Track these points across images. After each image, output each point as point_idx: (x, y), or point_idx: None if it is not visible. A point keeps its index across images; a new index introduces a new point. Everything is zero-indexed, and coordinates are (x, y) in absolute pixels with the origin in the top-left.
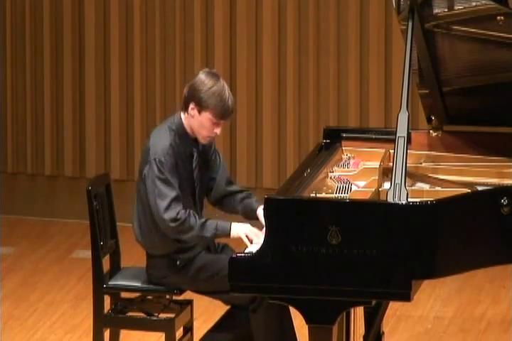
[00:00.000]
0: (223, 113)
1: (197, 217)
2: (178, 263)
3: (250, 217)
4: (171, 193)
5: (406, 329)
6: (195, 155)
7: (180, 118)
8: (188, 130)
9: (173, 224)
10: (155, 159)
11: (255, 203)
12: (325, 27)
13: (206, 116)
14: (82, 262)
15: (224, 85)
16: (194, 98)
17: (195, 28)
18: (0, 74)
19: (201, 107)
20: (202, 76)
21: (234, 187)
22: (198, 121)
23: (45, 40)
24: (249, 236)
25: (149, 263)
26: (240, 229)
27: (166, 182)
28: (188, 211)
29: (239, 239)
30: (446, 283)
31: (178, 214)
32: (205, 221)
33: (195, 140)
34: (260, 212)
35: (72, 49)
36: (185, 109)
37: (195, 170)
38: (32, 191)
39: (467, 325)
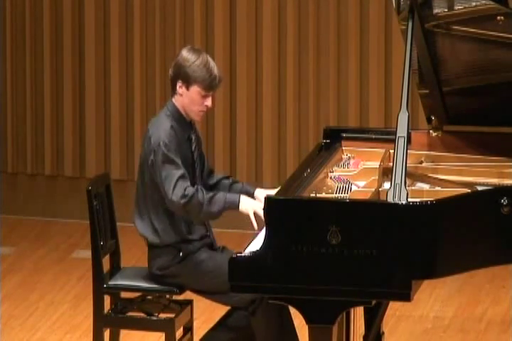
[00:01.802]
0: (211, 83)
1: (204, 191)
2: (181, 254)
3: None
4: (177, 172)
5: (406, 329)
6: (193, 137)
7: (173, 103)
8: (182, 112)
9: (182, 201)
10: (159, 143)
11: (246, 186)
12: (325, 27)
13: (195, 90)
14: (82, 262)
15: (207, 57)
16: (180, 75)
17: (195, 27)
18: (0, 74)
19: (188, 82)
20: (184, 53)
21: (217, 176)
22: (187, 98)
23: (45, 40)
24: (258, 213)
25: (151, 254)
26: (249, 205)
27: (171, 162)
28: (196, 186)
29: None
30: (446, 283)
31: (185, 190)
32: (214, 195)
33: (191, 124)
34: (258, 193)
35: (72, 49)
36: (174, 89)
37: (194, 152)
38: (32, 191)
39: (467, 325)
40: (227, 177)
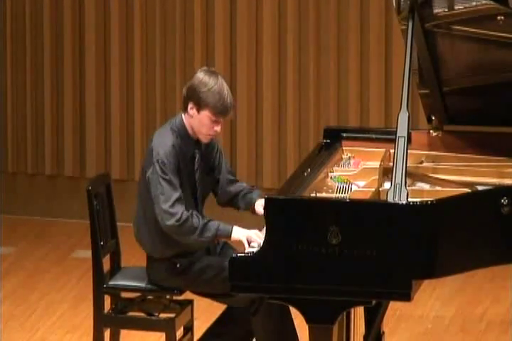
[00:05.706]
0: (222, 110)
1: (200, 217)
2: (178, 266)
3: (251, 212)
4: (174, 194)
5: (406, 329)
6: (197, 156)
7: (182, 119)
8: (190, 130)
9: (176, 224)
10: (157, 160)
11: (255, 197)
12: (325, 26)
13: (205, 114)
14: (82, 262)
15: (223, 83)
16: (193, 98)
17: (195, 28)
18: (0, 74)
19: (200, 106)
20: (200, 75)
21: (237, 187)
22: (197, 120)
23: (46, 40)
24: (250, 239)
25: (149, 265)
26: (241, 233)
27: (169, 183)
28: (190, 211)
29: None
30: (446, 283)
31: (181, 214)
32: (208, 222)
33: (198, 141)
34: (257, 205)
35: (73, 49)
36: (185, 109)
37: (197, 171)
38: (32, 191)
39: (467, 325)
40: (245, 188)
